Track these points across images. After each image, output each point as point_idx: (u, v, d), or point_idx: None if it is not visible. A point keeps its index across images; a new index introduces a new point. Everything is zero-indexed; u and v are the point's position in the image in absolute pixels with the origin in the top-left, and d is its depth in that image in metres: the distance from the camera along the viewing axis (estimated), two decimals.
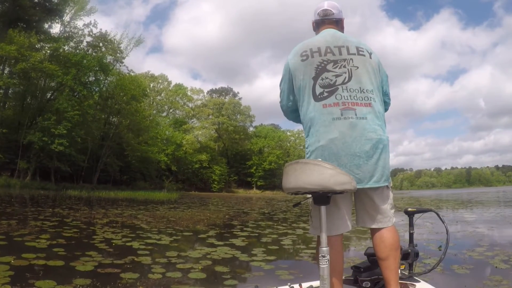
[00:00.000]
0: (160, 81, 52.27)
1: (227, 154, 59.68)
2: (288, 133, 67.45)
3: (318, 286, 1.58)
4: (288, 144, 65.03)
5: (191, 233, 6.97)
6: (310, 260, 4.56)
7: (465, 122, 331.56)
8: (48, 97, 28.40)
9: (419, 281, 2.07)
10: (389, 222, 1.84)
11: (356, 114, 1.74)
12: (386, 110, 1.97)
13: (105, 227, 7.19)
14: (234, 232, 7.13)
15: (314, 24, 2.07)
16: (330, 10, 2.00)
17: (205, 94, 61.83)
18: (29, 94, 28.65)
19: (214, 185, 52.21)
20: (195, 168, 50.24)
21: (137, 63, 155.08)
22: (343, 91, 1.77)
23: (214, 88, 67.88)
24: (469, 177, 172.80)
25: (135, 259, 4.40)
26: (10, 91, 29.71)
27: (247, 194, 50.79)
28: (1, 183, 21.41)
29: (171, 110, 55.22)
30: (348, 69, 1.81)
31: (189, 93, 56.35)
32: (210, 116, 56.87)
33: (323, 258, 1.54)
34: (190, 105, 57.17)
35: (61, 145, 24.79)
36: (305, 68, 1.84)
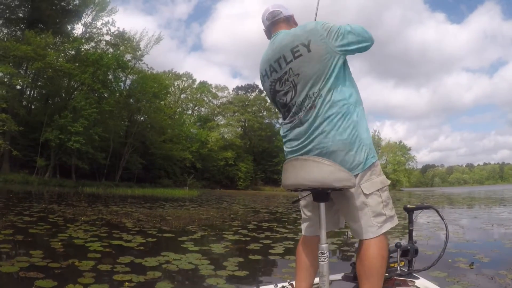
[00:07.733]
0: (184, 79, 52.37)
1: (253, 151, 59.08)
2: None
3: (318, 283, 1.60)
4: None
5: (174, 235, 6.18)
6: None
7: (503, 116, 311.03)
8: (70, 96, 28.91)
9: (418, 278, 2.08)
10: (368, 233, 1.63)
11: (301, 121, 1.68)
12: (365, 46, 1.69)
13: (83, 225, 6.59)
14: (224, 235, 6.27)
15: (266, 32, 1.92)
16: (277, 10, 1.85)
17: (230, 91, 61.55)
18: (52, 94, 29.30)
19: (240, 183, 51.92)
20: (221, 166, 50.06)
21: (178, 61, 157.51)
22: (294, 108, 1.70)
23: (239, 85, 67.63)
24: (502, 173, 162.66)
25: (76, 263, 3.70)
26: (36, 92, 30.65)
27: (274, 191, 49.74)
28: (19, 180, 21.80)
29: (196, 108, 55.29)
30: (291, 81, 1.68)
31: (213, 91, 56.17)
32: (236, 113, 56.42)
33: (323, 255, 1.54)
34: (215, 102, 57.02)
35: (77, 143, 25.04)
36: (267, 92, 1.84)
